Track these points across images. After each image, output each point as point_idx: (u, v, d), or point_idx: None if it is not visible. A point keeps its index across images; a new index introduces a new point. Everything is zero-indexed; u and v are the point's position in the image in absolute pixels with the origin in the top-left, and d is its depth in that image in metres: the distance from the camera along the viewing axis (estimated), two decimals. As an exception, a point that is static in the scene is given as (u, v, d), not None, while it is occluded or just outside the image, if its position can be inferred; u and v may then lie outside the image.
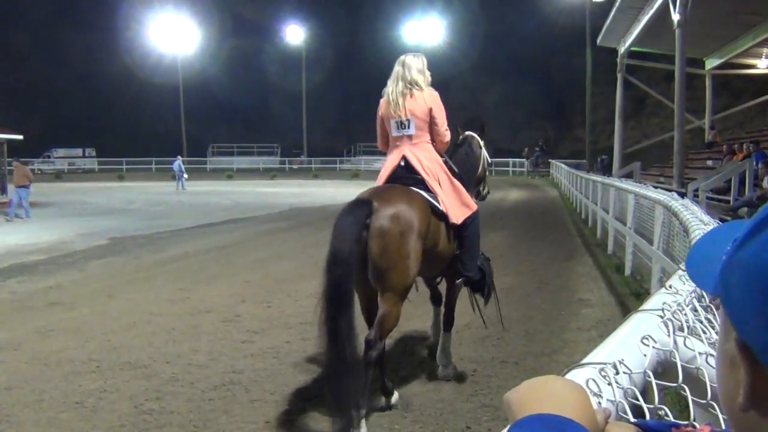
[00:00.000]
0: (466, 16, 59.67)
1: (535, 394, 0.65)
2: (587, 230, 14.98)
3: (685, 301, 1.23)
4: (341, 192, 31.37)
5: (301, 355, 5.76)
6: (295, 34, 65.41)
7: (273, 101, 65.43)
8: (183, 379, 5.17)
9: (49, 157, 57.11)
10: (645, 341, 1.00)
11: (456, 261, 4.77)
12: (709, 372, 0.98)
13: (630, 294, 7.96)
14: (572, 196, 22.73)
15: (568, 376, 0.88)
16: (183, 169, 34.60)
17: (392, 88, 4.64)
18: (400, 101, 4.59)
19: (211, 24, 62.30)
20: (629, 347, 1.01)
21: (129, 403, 4.69)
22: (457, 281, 4.92)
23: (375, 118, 4.79)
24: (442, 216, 4.50)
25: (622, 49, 27.24)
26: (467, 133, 5.41)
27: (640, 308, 1.21)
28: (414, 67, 4.64)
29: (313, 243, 13.22)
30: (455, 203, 4.60)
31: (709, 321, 1.15)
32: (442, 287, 5.43)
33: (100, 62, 62.96)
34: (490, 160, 5.65)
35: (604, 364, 0.88)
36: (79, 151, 58.73)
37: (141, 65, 60.71)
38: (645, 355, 0.97)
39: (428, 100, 4.63)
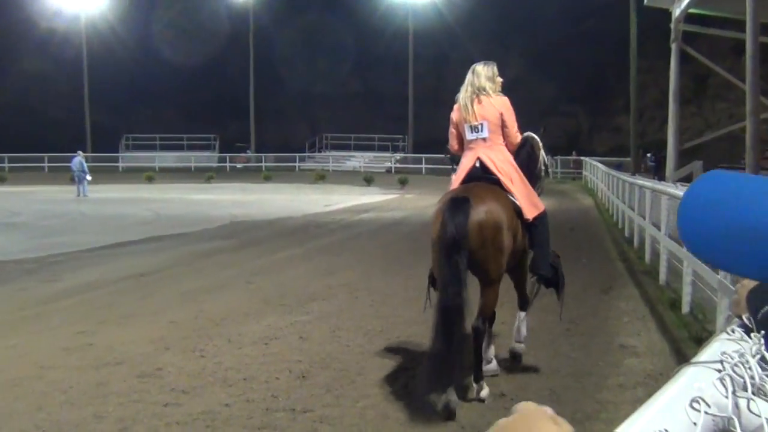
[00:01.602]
0: (471, -35, 60.25)
1: None
2: (632, 252, 15.09)
3: (751, 349, 1.25)
4: (302, 200, 31.35)
5: (243, 423, 5.73)
6: (240, -13, 65.47)
7: (210, 79, 65.35)
8: (83, 457, 5.11)
9: None
10: (695, 405, 1.01)
11: (527, 260, 6.73)
12: (780, 445, 1.00)
13: (689, 338, 8.03)
14: (612, 206, 22.89)
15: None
16: (85, 169, 34.38)
17: (463, 94, 6.53)
18: (470, 107, 6.47)
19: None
20: (676, 412, 1.02)
21: (8, 489, 4.63)
22: (531, 279, 6.92)
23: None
24: (519, 212, 6.35)
25: (677, 12, 27.60)
26: (527, 134, 7.05)
27: (693, 360, 1.22)
28: (483, 74, 6.51)
29: (264, 269, 13.19)
30: (527, 201, 6.44)
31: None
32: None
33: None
34: (548, 161, 7.42)
35: (642, 435, 0.89)
36: (-57, 145, 58.18)
37: (29, 28, 60.34)
38: (695, 424, 0.98)
39: (498, 105, 6.49)
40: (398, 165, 56.93)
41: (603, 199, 27.63)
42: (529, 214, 6.43)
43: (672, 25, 28.32)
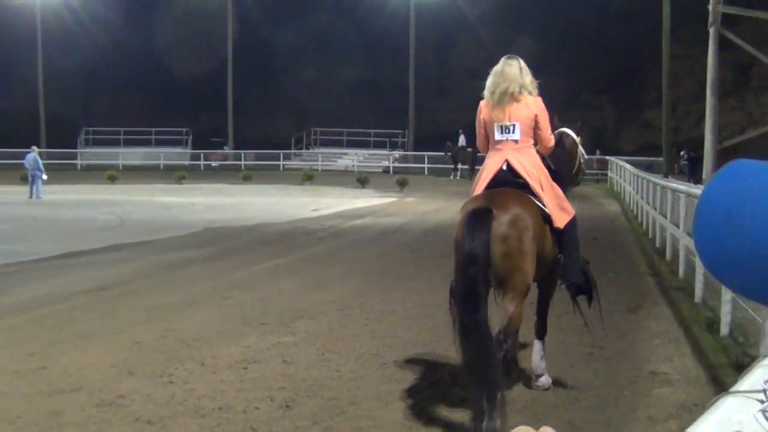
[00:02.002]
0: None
1: None
2: (664, 266, 15.08)
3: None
4: (287, 203, 31.30)
5: (219, 459, 5.72)
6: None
7: (181, 66, 65.20)
8: (33, 497, 5.10)
9: None
10: (735, 440, 1.01)
11: (558, 267, 7.18)
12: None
13: (728, 365, 8.03)
14: (641, 212, 22.89)
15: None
16: (41, 167, 34.30)
17: (494, 90, 6.88)
18: (503, 105, 6.84)
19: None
20: (712, 449, 1.02)
21: None
22: (561, 286, 7.47)
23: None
24: (547, 219, 6.78)
25: (716, -9, 27.66)
26: (562, 129, 7.65)
27: (732, 389, 1.22)
28: (524, 69, 6.92)
29: (242, 282, 13.17)
30: (557, 208, 6.87)
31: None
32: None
33: None
34: (586, 156, 8.13)
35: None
36: None
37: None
38: (734, 462, 0.98)
39: (533, 105, 6.91)
40: (397, 164, 56.85)
41: (631, 204, 27.63)
42: (560, 222, 6.86)
43: (710, 7, 28.39)
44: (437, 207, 28.92)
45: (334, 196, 35.96)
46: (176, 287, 12.69)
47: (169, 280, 13.49)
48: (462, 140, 50.36)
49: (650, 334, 9.65)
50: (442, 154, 51.19)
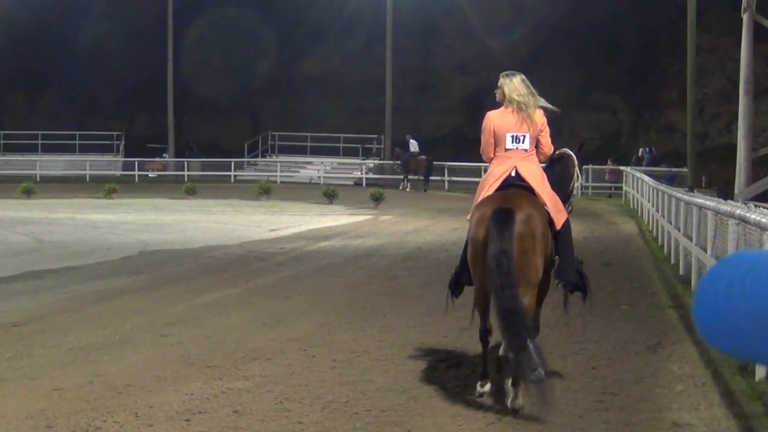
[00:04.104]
0: None
1: None
2: (688, 296, 15.10)
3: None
4: (239, 222, 31.17)
5: None
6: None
7: (113, 56, 65.00)
8: None
9: None
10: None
11: (550, 272, 9.05)
12: None
13: (765, 414, 8.06)
14: (662, 233, 22.97)
15: None
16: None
17: (512, 97, 8.79)
18: (521, 116, 8.77)
19: None
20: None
21: None
22: (558, 285, 9.36)
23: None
24: (550, 222, 8.68)
25: (750, -29, 27.89)
26: (564, 150, 9.80)
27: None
28: (530, 86, 8.85)
29: (185, 317, 13.12)
30: (555, 210, 8.78)
31: None
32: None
33: None
34: (582, 180, 9.71)
35: None
36: None
37: None
38: None
39: (539, 119, 8.93)
40: (371, 175, 56.84)
41: (650, 223, 27.73)
42: (559, 224, 8.78)
43: (743, -10, 28.58)
44: (419, 226, 28.96)
45: (295, 213, 35.95)
46: (105, 323, 12.59)
47: (97, 314, 13.40)
48: (414, 146, 51.09)
49: (672, 377, 9.70)
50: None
